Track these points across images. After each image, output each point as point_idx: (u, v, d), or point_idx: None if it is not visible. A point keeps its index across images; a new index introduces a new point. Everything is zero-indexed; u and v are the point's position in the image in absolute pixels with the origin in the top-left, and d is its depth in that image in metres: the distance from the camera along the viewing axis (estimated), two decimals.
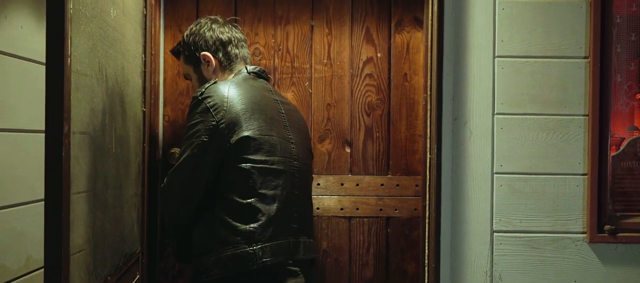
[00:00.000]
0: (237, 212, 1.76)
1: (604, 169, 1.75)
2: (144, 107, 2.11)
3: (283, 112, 1.94)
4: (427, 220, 1.92)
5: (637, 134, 1.83)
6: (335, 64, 2.42)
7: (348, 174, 2.43)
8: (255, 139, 1.77)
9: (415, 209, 2.41)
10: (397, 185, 2.42)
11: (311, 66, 2.42)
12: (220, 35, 1.99)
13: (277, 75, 2.42)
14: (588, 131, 1.76)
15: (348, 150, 2.43)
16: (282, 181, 1.82)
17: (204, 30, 1.99)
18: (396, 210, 2.43)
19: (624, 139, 1.81)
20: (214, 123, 1.75)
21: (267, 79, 2.02)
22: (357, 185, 2.42)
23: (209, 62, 1.97)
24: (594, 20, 1.74)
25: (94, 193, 1.52)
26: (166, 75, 2.42)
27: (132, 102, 1.93)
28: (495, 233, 1.78)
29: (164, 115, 2.42)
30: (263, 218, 1.76)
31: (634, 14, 1.79)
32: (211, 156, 1.76)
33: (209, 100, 1.77)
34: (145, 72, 2.09)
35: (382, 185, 2.42)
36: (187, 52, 2.01)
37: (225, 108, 1.76)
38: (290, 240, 1.82)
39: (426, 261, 1.92)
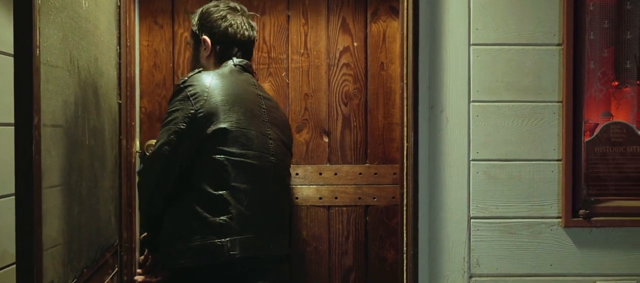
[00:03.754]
0: (208, 204, 1.74)
1: (578, 155, 1.77)
2: (120, 99, 2.08)
3: (264, 107, 1.92)
4: (405, 208, 1.92)
5: (611, 119, 1.86)
6: (312, 54, 2.41)
7: (326, 163, 2.43)
8: (232, 132, 1.76)
9: (394, 197, 2.42)
10: (375, 174, 2.43)
11: (288, 56, 2.41)
12: (229, 29, 1.95)
13: (253, 66, 2.40)
14: (562, 117, 1.77)
15: (326, 139, 2.43)
16: (256, 176, 1.81)
17: (216, 17, 1.95)
18: (374, 198, 2.43)
19: (598, 124, 1.84)
20: (192, 111, 1.74)
21: (252, 73, 2.00)
22: (336, 174, 2.42)
23: (206, 47, 1.95)
24: (567, 8, 1.75)
25: (68, 186, 1.50)
26: (142, 66, 2.40)
27: (106, 94, 1.90)
28: (472, 220, 1.79)
29: (140, 107, 2.40)
30: (233, 211, 1.74)
31: (606, 2, 1.81)
32: (187, 144, 1.75)
33: (190, 89, 1.76)
34: (120, 63, 2.07)
35: (360, 174, 2.42)
36: (195, 28, 1.98)
37: (205, 97, 1.75)
38: (261, 235, 1.81)
39: (405, 248, 1.93)
